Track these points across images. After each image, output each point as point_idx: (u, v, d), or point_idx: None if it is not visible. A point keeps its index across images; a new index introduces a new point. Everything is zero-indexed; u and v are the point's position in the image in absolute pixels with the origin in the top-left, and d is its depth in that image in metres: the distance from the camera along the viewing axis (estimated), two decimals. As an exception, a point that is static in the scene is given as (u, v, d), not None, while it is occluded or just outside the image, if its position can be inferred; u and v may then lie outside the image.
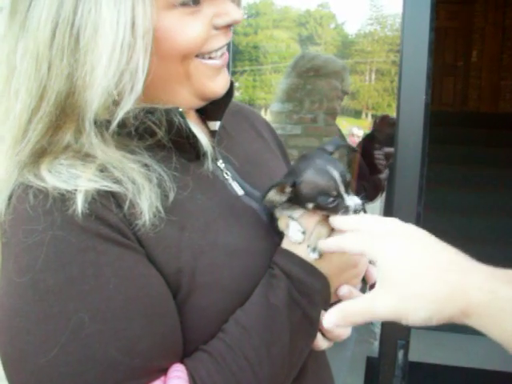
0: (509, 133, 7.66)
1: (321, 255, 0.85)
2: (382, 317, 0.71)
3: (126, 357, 0.70)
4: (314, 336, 0.89)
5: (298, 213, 0.89)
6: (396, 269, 0.72)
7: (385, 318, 0.70)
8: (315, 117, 3.28)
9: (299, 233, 0.87)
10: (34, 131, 0.77)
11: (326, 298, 0.89)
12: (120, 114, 0.76)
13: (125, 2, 0.73)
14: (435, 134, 6.41)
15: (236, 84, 0.95)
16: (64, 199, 0.72)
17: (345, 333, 0.96)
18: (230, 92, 0.96)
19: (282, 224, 0.90)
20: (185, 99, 0.88)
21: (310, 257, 0.86)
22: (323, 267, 0.88)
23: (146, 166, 0.81)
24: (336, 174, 0.83)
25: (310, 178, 0.84)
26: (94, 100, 0.74)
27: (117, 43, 0.73)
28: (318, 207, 0.85)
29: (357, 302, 0.74)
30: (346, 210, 0.84)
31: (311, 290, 0.85)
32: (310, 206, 0.85)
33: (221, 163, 0.96)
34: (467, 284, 0.67)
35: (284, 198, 0.86)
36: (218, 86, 0.91)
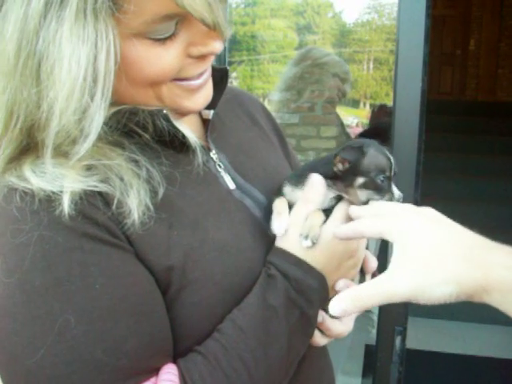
0: (506, 121, 7.65)
1: (314, 243, 0.85)
2: (401, 296, 0.68)
3: (112, 358, 0.70)
4: (312, 334, 0.89)
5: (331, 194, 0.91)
6: (416, 245, 0.70)
7: (403, 298, 0.68)
8: (313, 106, 3.28)
9: (283, 228, 0.88)
10: (7, 145, 0.76)
11: (324, 296, 0.88)
12: (83, 149, 0.73)
13: (86, 37, 0.70)
14: (433, 122, 6.41)
15: (234, 74, 0.93)
16: (50, 200, 0.71)
17: (346, 329, 0.96)
18: (224, 80, 0.94)
19: (277, 205, 0.91)
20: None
21: (303, 245, 0.85)
22: (320, 260, 0.87)
23: (134, 161, 0.79)
24: (392, 160, 0.88)
25: (374, 152, 0.87)
26: (52, 137, 0.72)
27: (76, 84, 0.70)
28: (367, 184, 0.86)
29: (370, 284, 0.71)
30: (391, 195, 0.87)
31: (308, 289, 0.84)
32: (361, 180, 0.87)
33: (214, 153, 0.94)
34: (489, 260, 0.66)
35: (343, 167, 0.88)
36: (195, 104, 0.86)
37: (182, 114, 0.88)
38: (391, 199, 0.86)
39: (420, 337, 4.45)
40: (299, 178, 0.93)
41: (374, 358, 1.81)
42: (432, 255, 0.68)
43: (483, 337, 4.70)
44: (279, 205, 0.91)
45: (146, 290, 0.76)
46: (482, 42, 9.52)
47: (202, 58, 0.81)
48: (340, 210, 0.90)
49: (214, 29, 0.75)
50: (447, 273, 0.66)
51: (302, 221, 0.88)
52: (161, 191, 0.79)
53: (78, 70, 0.69)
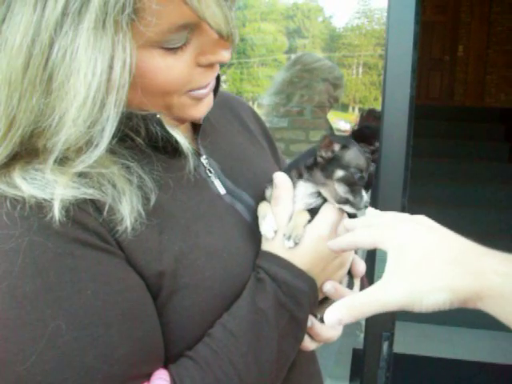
0: (494, 127, 7.72)
1: (296, 244, 0.86)
2: (395, 305, 0.68)
3: (104, 364, 0.69)
4: (302, 338, 0.89)
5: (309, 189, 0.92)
6: (409, 253, 0.70)
7: (398, 306, 0.68)
8: (302, 110, 3.29)
9: (272, 230, 0.88)
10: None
11: (314, 299, 0.88)
12: (91, 158, 0.72)
13: (104, 47, 0.69)
14: (422, 127, 6.45)
15: (223, 77, 0.93)
16: (41, 206, 0.70)
17: (335, 334, 0.96)
18: (215, 86, 0.94)
19: (260, 209, 0.91)
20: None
21: (285, 245, 0.86)
22: (305, 261, 0.87)
23: (126, 168, 0.79)
24: (371, 166, 0.91)
25: (357, 150, 0.90)
26: (60, 145, 0.71)
27: (89, 95, 0.69)
28: (345, 178, 0.88)
29: (364, 293, 0.71)
30: (361, 197, 0.88)
31: (298, 292, 0.85)
32: (340, 173, 0.88)
33: (204, 159, 0.94)
34: (483, 267, 0.65)
35: (326, 155, 0.89)
36: (199, 112, 0.88)
37: (183, 121, 0.89)
38: (360, 201, 0.88)
39: (408, 341, 4.46)
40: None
41: (361, 362, 1.80)
42: (425, 263, 0.68)
43: (471, 341, 4.73)
44: (262, 209, 0.91)
45: (137, 295, 0.76)
46: (471, 48, 9.60)
47: (210, 66, 0.82)
48: (326, 210, 0.91)
49: (227, 40, 0.76)
50: (441, 280, 0.66)
51: (285, 221, 0.89)
52: (153, 198, 0.79)
53: (92, 81, 0.68)
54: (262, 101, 3.46)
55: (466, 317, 5.04)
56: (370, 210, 0.87)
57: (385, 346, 1.75)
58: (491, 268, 0.65)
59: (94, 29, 0.67)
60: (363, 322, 1.92)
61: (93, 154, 0.72)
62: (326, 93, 3.22)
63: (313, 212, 0.91)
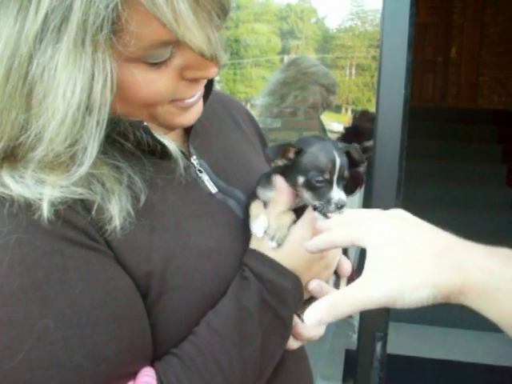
0: (486, 128, 7.76)
1: (279, 244, 0.85)
2: (377, 303, 0.66)
3: (91, 363, 0.69)
4: (287, 337, 0.89)
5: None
6: (388, 249, 0.68)
7: (379, 304, 0.66)
8: (295, 111, 3.29)
9: (262, 230, 0.87)
10: None
11: (298, 297, 0.88)
12: (75, 176, 0.72)
13: (83, 66, 0.68)
14: (415, 128, 6.47)
15: (217, 78, 0.92)
16: (29, 205, 0.70)
17: (317, 334, 0.96)
18: (208, 87, 0.94)
19: (253, 209, 0.90)
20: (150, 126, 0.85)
21: (269, 246, 0.85)
22: (291, 262, 0.87)
23: (116, 168, 0.79)
24: (337, 162, 0.83)
25: (315, 151, 0.84)
26: (37, 159, 0.71)
27: (68, 114, 0.68)
28: (307, 184, 0.84)
29: (344, 291, 0.69)
30: (328, 200, 0.83)
31: (282, 290, 0.85)
32: (301, 180, 0.85)
33: (194, 159, 0.94)
34: (465, 262, 0.64)
35: (282, 163, 0.86)
36: (186, 119, 0.87)
37: (172, 128, 0.89)
38: (329, 203, 0.83)
39: (401, 342, 4.47)
40: (268, 179, 0.92)
41: (354, 363, 1.81)
42: (407, 258, 0.67)
43: (464, 342, 4.75)
44: (254, 208, 0.90)
45: (126, 294, 0.75)
46: (463, 49, 9.66)
47: (195, 80, 0.81)
48: (311, 212, 0.91)
49: (211, 60, 0.76)
50: (423, 276, 0.65)
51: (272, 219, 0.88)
52: (142, 198, 0.79)
53: (72, 99, 0.68)
54: (256, 101, 3.47)
55: (459, 318, 5.06)
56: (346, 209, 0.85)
57: (378, 346, 1.76)
58: (474, 263, 0.64)
59: (74, 47, 0.67)
60: (356, 323, 1.92)
61: (76, 172, 0.72)
62: (320, 96, 3.23)
63: (301, 211, 0.90)
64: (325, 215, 0.84)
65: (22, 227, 0.69)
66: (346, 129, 3.69)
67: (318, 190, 0.83)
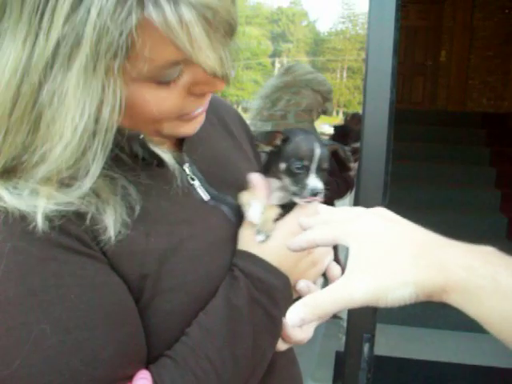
0: (475, 131, 7.82)
1: (267, 237, 0.88)
2: (359, 301, 0.65)
3: (88, 367, 0.70)
4: (278, 335, 0.90)
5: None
6: (371, 247, 0.68)
7: (362, 302, 0.66)
8: (286, 114, 3.30)
9: (259, 215, 0.89)
10: None
11: (288, 296, 0.89)
12: (74, 195, 0.72)
13: (93, 91, 0.67)
14: (405, 131, 6.49)
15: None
16: (24, 217, 0.70)
17: (306, 337, 0.96)
18: None
19: (243, 198, 0.93)
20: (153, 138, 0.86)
21: (256, 239, 0.88)
22: (278, 259, 0.88)
23: (111, 178, 0.79)
24: (317, 152, 0.90)
25: (298, 140, 0.91)
26: (38, 177, 0.71)
27: (75, 137, 0.69)
28: (288, 170, 0.90)
29: (326, 290, 0.69)
30: (304, 186, 0.89)
31: (271, 288, 0.86)
32: (283, 166, 0.91)
33: (187, 166, 0.94)
34: (446, 260, 0.64)
35: (268, 148, 0.93)
36: (190, 129, 0.88)
37: (176, 138, 0.90)
38: (304, 188, 0.89)
39: (390, 343, 4.49)
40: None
41: (342, 364, 1.82)
42: (388, 256, 0.67)
43: (453, 343, 4.77)
44: (245, 197, 0.93)
45: (120, 298, 0.76)
46: (453, 53, 9.72)
47: (203, 94, 0.82)
48: (300, 206, 0.93)
49: (222, 80, 0.77)
50: (405, 275, 0.64)
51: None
52: (137, 208, 0.79)
53: (80, 124, 0.68)
54: (247, 104, 3.49)
55: (448, 319, 5.09)
56: (323, 207, 0.87)
57: (366, 347, 1.77)
58: (455, 260, 0.64)
59: (85, 72, 0.66)
60: (345, 324, 1.93)
61: (75, 191, 0.72)
62: (314, 101, 3.25)
63: (289, 208, 0.93)
64: (299, 197, 0.90)
65: (17, 235, 0.70)
66: (335, 128, 3.72)
67: (297, 176, 0.90)
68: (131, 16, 0.65)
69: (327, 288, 0.70)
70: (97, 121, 0.69)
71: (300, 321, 0.67)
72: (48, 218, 0.71)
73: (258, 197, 0.93)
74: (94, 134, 0.70)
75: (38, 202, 0.71)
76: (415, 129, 7.36)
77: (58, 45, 0.65)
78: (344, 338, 1.90)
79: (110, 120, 0.70)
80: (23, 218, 0.70)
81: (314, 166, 0.90)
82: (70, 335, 0.69)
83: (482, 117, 8.33)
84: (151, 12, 0.65)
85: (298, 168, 0.89)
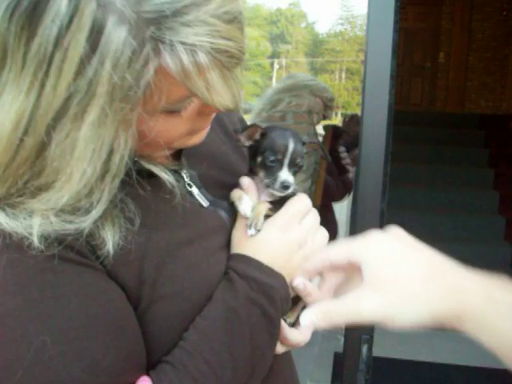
0: (474, 133, 7.83)
1: (258, 231, 0.90)
2: (367, 319, 0.67)
3: (91, 375, 0.70)
4: (276, 335, 0.89)
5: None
6: (385, 268, 0.68)
7: (370, 321, 0.67)
8: (284, 115, 3.31)
9: (250, 208, 0.92)
10: None
11: (285, 295, 0.89)
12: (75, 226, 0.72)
13: (106, 137, 0.67)
14: (403, 133, 6.50)
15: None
16: (21, 238, 0.70)
17: (304, 340, 0.96)
18: None
19: (234, 195, 0.95)
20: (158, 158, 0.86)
21: (248, 234, 0.89)
22: (270, 253, 0.89)
23: None
24: (291, 147, 0.94)
25: (274, 135, 0.95)
26: (37, 208, 0.70)
27: (81, 183, 0.68)
28: (263, 163, 0.94)
29: (340, 302, 0.70)
30: (275, 178, 0.93)
31: (268, 288, 0.86)
32: (259, 159, 0.95)
33: (185, 172, 0.94)
34: (463, 286, 0.64)
35: (248, 143, 0.97)
36: (197, 140, 0.88)
37: (184, 148, 0.91)
38: (276, 181, 0.92)
39: (388, 345, 4.49)
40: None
41: (341, 365, 1.82)
42: (401, 279, 0.67)
43: (451, 345, 4.78)
44: (236, 193, 0.95)
45: (119, 306, 0.76)
46: (451, 55, 9.74)
47: (211, 113, 0.84)
48: (291, 202, 0.95)
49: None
50: (417, 300, 0.64)
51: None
52: (137, 221, 0.79)
53: (87, 173, 0.67)
54: (245, 105, 3.49)
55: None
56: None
57: (364, 348, 1.77)
58: (473, 288, 0.63)
59: (98, 124, 0.65)
60: (344, 326, 1.94)
61: (71, 225, 0.71)
62: (314, 104, 3.26)
63: (275, 203, 0.95)
64: (271, 188, 0.94)
65: (13, 247, 0.70)
66: (325, 128, 3.73)
67: (271, 169, 0.94)
68: (148, 65, 0.64)
69: (341, 298, 0.71)
70: (107, 168, 0.69)
71: (311, 323, 0.70)
72: (45, 234, 0.70)
73: (248, 193, 0.95)
74: (103, 178, 0.70)
75: (33, 221, 0.70)
76: (413, 130, 7.37)
77: (68, 96, 0.64)
78: (342, 339, 1.90)
79: (121, 165, 0.70)
80: (21, 239, 0.69)
81: (286, 160, 0.93)
82: (71, 345, 0.70)
83: (480, 118, 8.35)
84: (168, 60, 0.65)
85: (272, 161, 0.93)
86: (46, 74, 0.63)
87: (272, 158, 0.93)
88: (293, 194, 0.96)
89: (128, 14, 0.62)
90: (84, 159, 0.66)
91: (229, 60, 0.70)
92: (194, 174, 0.96)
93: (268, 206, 0.93)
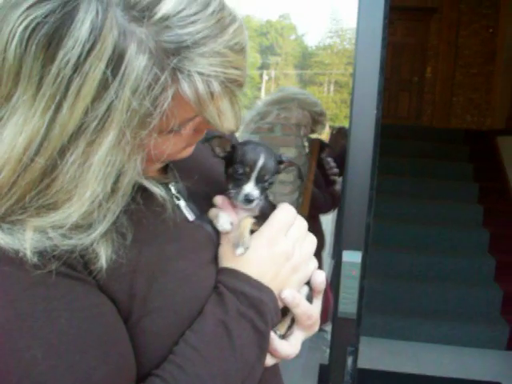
0: (459, 147, 7.92)
1: (247, 248, 0.89)
2: None
3: None
4: (266, 348, 0.90)
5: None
6: None
7: None
8: (272, 127, 3.33)
9: (228, 223, 0.92)
10: None
11: (274, 308, 0.90)
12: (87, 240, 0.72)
13: (116, 166, 0.68)
14: (390, 146, 6.56)
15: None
16: (13, 250, 0.69)
17: (294, 352, 0.97)
18: None
19: (211, 213, 0.95)
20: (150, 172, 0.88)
21: (236, 253, 0.89)
22: (258, 267, 0.89)
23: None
24: (260, 162, 0.94)
25: (246, 148, 0.96)
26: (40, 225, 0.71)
27: (89, 203, 0.69)
28: (232, 175, 0.95)
29: None
30: (239, 190, 0.93)
31: (257, 302, 0.86)
32: (230, 170, 0.96)
33: (173, 186, 0.95)
34: None
35: (221, 154, 0.98)
36: (186, 154, 0.90)
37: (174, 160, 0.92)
38: (239, 193, 0.93)
39: (374, 356, 4.51)
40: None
41: (326, 376, 1.83)
42: None
43: (435, 356, 4.80)
44: (212, 212, 0.96)
45: (110, 320, 0.76)
46: (438, 70, 9.86)
47: (205, 128, 0.86)
48: (275, 214, 0.95)
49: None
50: None
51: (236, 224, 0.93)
52: (129, 236, 0.79)
53: (94, 194, 0.69)
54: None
55: (430, 332, 5.12)
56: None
57: (349, 360, 1.78)
58: None
59: (112, 148, 0.67)
60: (329, 338, 1.94)
61: (80, 242, 0.72)
62: (303, 119, 3.29)
63: (258, 218, 0.95)
64: (236, 200, 0.94)
65: (4, 260, 0.69)
66: (308, 141, 3.76)
67: (238, 181, 0.94)
68: (166, 92, 0.67)
69: None
70: (116, 188, 0.71)
71: None
72: (40, 248, 0.70)
73: (224, 209, 0.95)
74: (111, 198, 0.71)
75: (25, 235, 0.70)
76: (400, 144, 7.44)
77: (85, 119, 0.65)
78: (328, 351, 1.91)
79: (128, 186, 0.72)
80: (15, 253, 0.69)
81: (254, 175, 0.93)
82: (62, 359, 0.69)
83: (466, 133, 8.45)
84: (185, 89, 0.68)
85: (240, 174, 0.94)
86: (64, 96, 0.64)
87: (240, 170, 0.94)
88: (274, 207, 0.97)
89: (148, 42, 0.65)
90: (96, 181, 0.68)
91: (237, 88, 0.74)
92: (182, 186, 0.97)
93: (252, 220, 0.93)
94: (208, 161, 1.08)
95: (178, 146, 0.82)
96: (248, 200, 0.92)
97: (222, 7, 0.73)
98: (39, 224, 0.70)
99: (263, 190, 0.95)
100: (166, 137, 0.77)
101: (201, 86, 0.69)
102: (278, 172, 0.99)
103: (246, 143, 0.97)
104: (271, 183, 0.96)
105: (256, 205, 0.94)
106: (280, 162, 0.99)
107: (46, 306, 0.70)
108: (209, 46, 0.68)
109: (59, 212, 0.70)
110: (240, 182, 0.94)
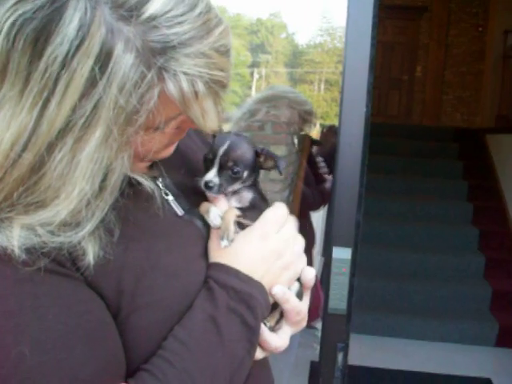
0: (448, 145, 7.97)
1: (232, 240, 0.90)
2: None
3: None
4: (256, 342, 0.90)
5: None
6: None
7: None
8: (263, 125, 3.34)
9: (219, 217, 0.92)
10: None
11: (264, 303, 0.90)
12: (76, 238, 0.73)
13: (104, 163, 0.69)
14: (380, 144, 6.58)
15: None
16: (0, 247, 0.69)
17: (283, 345, 0.97)
18: None
19: (202, 208, 0.95)
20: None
21: (221, 245, 0.89)
22: (249, 263, 0.90)
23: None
24: (222, 149, 0.94)
25: (218, 137, 0.97)
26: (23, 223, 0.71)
27: (77, 201, 0.69)
28: (203, 163, 0.96)
29: None
30: (202, 177, 0.94)
31: (247, 296, 0.87)
32: (203, 159, 0.97)
33: (160, 182, 0.95)
34: None
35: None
36: (168, 153, 0.91)
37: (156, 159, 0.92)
38: (201, 179, 0.93)
39: (363, 353, 4.53)
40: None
41: (317, 374, 1.84)
42: None
43: (425, 353, 4.84)
44: (204, 206, 0.95)
45: (98, 316, 0.76)
46: (428, 69, 9.92)
47: (188, 127, 0.87)
48: (269, 210, 0.96)
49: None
50: None
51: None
52: (117, 231, 0.79)
53: (83, 192, 0.69)
54: (224, 114, 3.51)
55: (420, 329, 5.16)
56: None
57: (340, 356, 1.80)
58: None
59: (100, 145, 0.68)
60: (320, 334, 1.95)
61: (68, 240, 0.72)
62: (292, 117, 3.29)
63: (243, 210, 0.95)
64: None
65: None
66: (298, 138, 3.77)
67: (206, 169, 0.95)
68: (152, 91, 0.68)
69: None
70: (104, 186, 0.71)
71: None
72: (28, 245, 0.70)
73: (216, 204, 0.95)
74: (99, 195, 0.72)
75: (13, 232, 0.70)
76: (390, 142, 7.47)
77: (72, 116, 0.66)
78: (318, 347, 1.92)
79: (116, 183, 0.73)
80: (3, 249, 0.69)
81: (216, 161, 0.93)
82: (49, 355, 0.69)
83: (455, 131, 8.49)
84: (171, 87, 0.70)
85: (206, 160, 0.95)
86: (52, 92, 0.64)
87: (207, 157, 0.95)
88: (267, 204, 0.97)
89: (136, 41, 0.66)
90: (84, 178, 0.68)
91: (221, 89, 0.76)
92: (170, 181, 0.97)
93: (236, 212, 0.93)
94: (196, 155, 1.08)
95: (161, 143, 0.83)
96: (207, 186, 0.93)
97: (209, 9, 0.74)
98: (27, 222, 0.70)
99: (232, 180, 0.94)
100: (152, 135, 0.78)
101: (186, 86, 0.70)
102: (258, 166, 0.98)
103: (222, 133, 0.98)
104: (238, 172, 0.94)
105: (217, 191, 0.93)
106: (257, 155, 0.98)
107: (32, 303, 0.70)
108: (195, 46, 0.70)
109: (47, 210, 0.70)
110: (207, 169, 0.94)
